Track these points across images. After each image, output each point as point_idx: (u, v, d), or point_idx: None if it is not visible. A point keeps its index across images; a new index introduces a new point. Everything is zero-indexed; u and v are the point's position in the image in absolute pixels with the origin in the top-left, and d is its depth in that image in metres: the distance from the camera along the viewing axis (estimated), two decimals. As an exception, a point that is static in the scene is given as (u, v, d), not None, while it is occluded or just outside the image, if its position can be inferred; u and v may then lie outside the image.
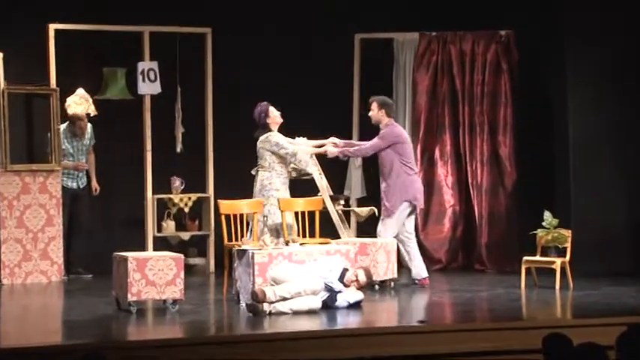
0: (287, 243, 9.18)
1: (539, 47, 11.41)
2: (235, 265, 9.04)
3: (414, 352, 7.35)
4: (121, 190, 11.62)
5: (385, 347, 7.38)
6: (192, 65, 11.45)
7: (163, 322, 8.39)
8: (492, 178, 11.50)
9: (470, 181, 11.57)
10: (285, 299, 8.40)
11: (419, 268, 10.12)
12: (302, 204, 9.75)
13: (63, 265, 10.86)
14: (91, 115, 11.13)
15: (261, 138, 9.73)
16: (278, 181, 9.68)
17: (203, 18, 11.52)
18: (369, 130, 10.71)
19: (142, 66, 11.29)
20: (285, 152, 9.66)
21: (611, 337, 5.23)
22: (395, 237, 10.07)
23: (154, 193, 11.39)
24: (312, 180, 10.30)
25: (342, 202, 10.71)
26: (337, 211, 10.44)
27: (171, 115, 11.48)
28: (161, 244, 11.35)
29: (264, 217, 9.71)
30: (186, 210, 11.53)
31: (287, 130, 9.91)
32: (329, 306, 8.57)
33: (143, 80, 11.30)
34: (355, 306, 8.71)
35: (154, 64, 11.32)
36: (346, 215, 10.81)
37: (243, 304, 8.73)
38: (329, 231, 10.21)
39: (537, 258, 9.88)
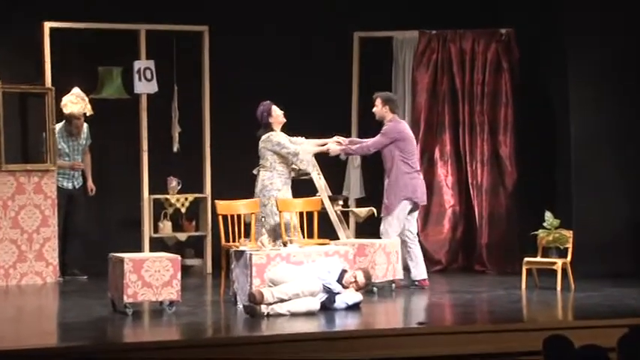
0: (285, 244, 9.18)
1: (539, 46, 11.42)
2: (233, 266, 9.04)
3: (413, 355, 7.35)
4: (117, 191, 11.62)
5: (384, 349, 7.38)
6: (189, 64, 11.45)
7: (160, 324, 8.39)
8: (493, 178, 11.50)
9: (470, 181, 11.57)
10: (283, 301, 8.40)
11: (419, 269, 10.12)
12: (300, 204, 9.75)
13: (58, 266, 10.85)
14: (87, 115, 11.13)
15: (263, 137, 9.74)
16: (279, 181, 9.68)
17: (200, 16, 11.52)
18: (369, 130, 10.72)
19: (138, 65, 11.29)
20: (286, 152, 9.66)
21: (613, 339, 5.24)
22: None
23: (150, 193, 11.38)
24: (311, 180, 10.31)
25: (341, 202, 10.71)
26: (336, 211, 10.44)
27: (167, 115, 11.48)
28: (157, 245, 11.35)
29: (261, 217, 9.72)
30: (183, 210, 11.53)
31: (286, 129, 9.90)
32: (327, 307, 8.57)
33: (139, 79, 11.30)
34: (354, 308, 8.71)
35: (151, 63, 11.32)
36: (345, 216, 10.81)
37: (240, 306, 8.73)
38: (327, 232, 10.21)
39: (538, 259, 9.88)
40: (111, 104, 11.33)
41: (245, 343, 7.38)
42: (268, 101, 9.79)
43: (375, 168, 11.06)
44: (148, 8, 11.39)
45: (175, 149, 11.51)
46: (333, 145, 10.14)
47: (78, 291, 10.20)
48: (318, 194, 10.28)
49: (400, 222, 10.06)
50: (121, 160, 11.58)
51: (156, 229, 11.45)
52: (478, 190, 11.52)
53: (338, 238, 10.20)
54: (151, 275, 8.51)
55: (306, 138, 10.02)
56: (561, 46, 11.01)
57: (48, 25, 10.93)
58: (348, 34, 11.80)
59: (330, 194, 10.51)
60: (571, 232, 9.89)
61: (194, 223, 11.65)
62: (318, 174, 10.35)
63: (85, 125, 11.19)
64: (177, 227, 11.60)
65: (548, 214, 9.92)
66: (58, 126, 11.03)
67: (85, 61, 11.33)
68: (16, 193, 10.69)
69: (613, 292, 9.56)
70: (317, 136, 10.09)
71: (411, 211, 10.16)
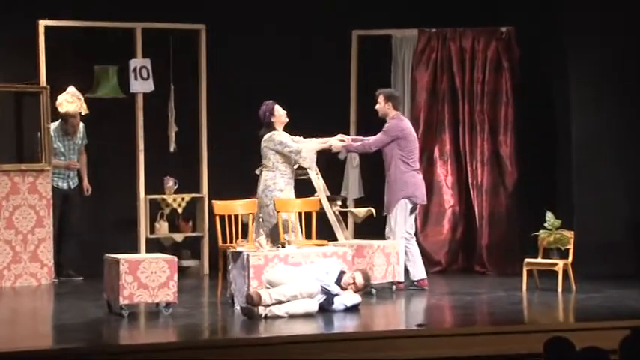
0: (283, 245, 9.18)
1: (540, 45, 11.42)
2: (230, 267, 9.04)
3: (412, 357, 7.35)
4: (113, 191, 11.61)
5: (383, 351, 7.38)
6: (185, 63, 11.45)
7: (156, 326, 8.38)
8: (493, 178, 11.50)
9: (470, 181, 11.57)
10: (280, 302, 8.40)
11: (418, 269, 10.12)
12: (298, 205, 9.75)
13: (53, 267, 10.85)
14: (83, 114, 11.13)
15: (265, 137, 9.74)
16: (282, 181, 9.69)
17: (197, 14, 11.52)
18: (368, 129, 10.72)
19: (134, 63, 11.29)
20: (289, 151, 9.67)
21: (614, 341, 5.24)
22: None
23: (146, 193, 11.38)
24: (309, 180, 10.31)
25: (340, 202, 10.71)
26: (334, 212, 10.44)
27: (164, 114, 11.48)
28: (154, 245, 11.34)
29: (259, 218, 9.72)
30: (180, 211, 11.52)
31: (285, 129, 9.89)
32: (326, 309, 8.56)
33: (135, 78, 11.29)
34: (352, 309, 8.71)
35: (147, 62, 11.32)
36: (343, 216, 10.81)
37: (237, 307, 8.72)
38: (326, 232, 10.21)
39: (539, 260, 9.89)
40: (107, 103, 11.32)
41: (242, 345, 7.37)
42: (271, 100, 9.79)
43: (374, 168, 11.06)
44: (144, 6, 11.38)
45: (172, 149, 11.50)
46: (336, 141, 10.15)
47: (73, 292, 10.20)
48: (316, 194, 10.28)
49: (404, 221, 10.05)
50: (117, 160, 11.57)
51: (152, 230, 11.45)
52: (478, 190, 11.52)
53: (336, 239, 10.20)
54: (147, 276, 8.51)
55: (305, 137, 10.02)
56: (562, 45, 11.02)
57: (43, 23, 10.93)
58: (347, 32, 11.80)
59: (329, 194, 10.51)
60: (572, 232, 9.89)
61: (191, 223, 11.65)
62: (317, 174, 10.35)
63: (82, 125, 11.19)
64: (173, 228, 11.60)
65: (548, 215, 9.92)
66: (54, 125, 11.03)
67: (81, 59, 11.32)
68: (11, 193, 10.68)
69: (614, 294, 9.56)
70: (316, 136, 10.09)
71: (411, 211, 10.16)
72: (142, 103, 11.35)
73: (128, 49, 11.27)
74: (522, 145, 11.47)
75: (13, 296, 10.17)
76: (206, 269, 11.53)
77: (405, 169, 10.07)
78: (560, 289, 9.69)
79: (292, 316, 8.34)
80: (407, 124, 10.31)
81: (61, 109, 11.00)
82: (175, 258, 8.77)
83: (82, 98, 11.08)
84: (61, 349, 7.22)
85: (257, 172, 9.89)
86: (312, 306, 8.47)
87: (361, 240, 10.10)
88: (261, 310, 8.34)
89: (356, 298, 8.79)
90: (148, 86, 11.33)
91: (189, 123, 11.52)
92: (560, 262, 9.73)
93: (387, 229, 10.09)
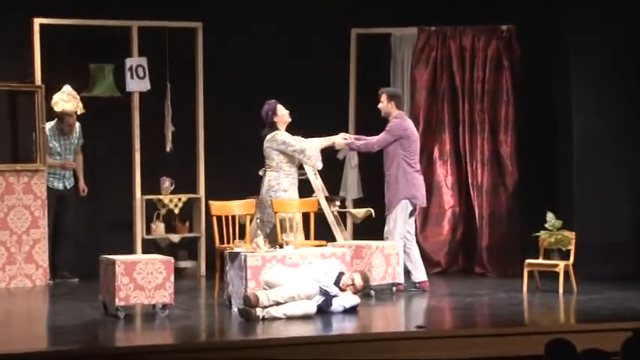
0: (281, 246, 9.18)
1: (541, 43, 11.43)
2: (227, 268, 9.04)
3: (412, 359, 7.35)
4: (109, 191, 11.60)
5: (382, 354, 7.38)
6: (182, 61, 11.44)
7: (152, 328, 8.38)
8: (493, 178, 11.50)
9: (470, 181, 11.57)
10: (278, 304, 8.40)
11: (419, 271, 10.13)
12: (297, 205, 9.75)
13: (48, 268, 10.84)
14: (78, 113, 11.12)
15: (268, 137, 9.74)
16: (286, 182, 9.69)
17: (193, 13, 11.51)
18: (367, 128, 10.72)
19: (130, 62, 11.28)
20: (292, 150, 9.67)
21: (616, 343, 5.24)
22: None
23: (142, 193, 11.37)
24: (307, 180, 10.30)
25: (338, 203, 10.71)
26: (333, 212, 10.43)
27: (160, 113, 11.47)
28: (150, 246, 11.35)
29: (257, 219, 9.72)
30: (176, 211, 11.52)
31: (286, 128, 9.90)
32: (324, 311, 8.56)
33: (131, 77, 11.29)
34: (351, 311, 8.71)
35: (143, 60, 11.32)
36: (342, 217, 10.81)
37: (235, 309, 8.72)
38: (324, 233, 10.21)
39: (540, 261, 9.89)
40: (102, 102, 11.32)
41: (240, 347, 7.37)
42: (274, 100, 9.79)
43: (373, 168, 11.06)
44: (140, 4, 11.38)
45: (168, 149, 11.50)
46: (339, 138, 10.17)
47: (68, 294, 10.19)
48: (314, 195, 10.28)
49: (403, 222, 10.05)
50: (112, 160, 11.57)
51: (148, 231, 11.44)
52: (478, 191, 11.52)
53: (335, 240, 10.20)
54: (143, 278, 8.51)
55: (304, 137, 10.02)
56: (563, 44, 11.02)
57: (38, 22, 10.92)
58: (346, 31, 11.79)
59: (327, 195, 10.51)
60: (573, 233, 9.89)
61: (187, 224, 11.64)
62: (315, 174, 10.35)
63: (78, 124, 11.19)
64: (170, 228, 11.60)
65: (549, 215, 9.92)
66: (50, 124, 11.03)
67: (76, 58, 11.32)
68: (5, 193, 10.68)
69: (616, 295, 9.56)
70: (315, 135, 10.09)
71: (410, 213, 10.16)
72: (138, 102, 11.35)
73: (124, 48, 11.26)
74: (523, 144, 11.47)
75: (8, 298, 10.16)
76: (203, 270, 11.52)
77: (407, 169, 10.07)
78: (561, 290, 9.69)
79: (290, 318, 8.34)
80: (410, 123, 10.31)
81: (57, 109, 11.00)
82: (172, 259, 8.77)
83: (78, 97, 11.08)
84: (56, 351, 7.22)
85: (260, 172, 9.89)
86: (311, 307, 8.47)
87: (360, 241, 10.10)
88: (259, 311, 8.34)
89: (355, 300, 8.79)
90: (144, 85, 11.32)
91: (185, 122, 11.52)
92: (562, 263, 9.74)
93: (385, 230, 10.09)
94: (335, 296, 8.67)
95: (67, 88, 11.06)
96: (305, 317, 8.39)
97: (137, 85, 11.31)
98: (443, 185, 11.63)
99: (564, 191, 11.11)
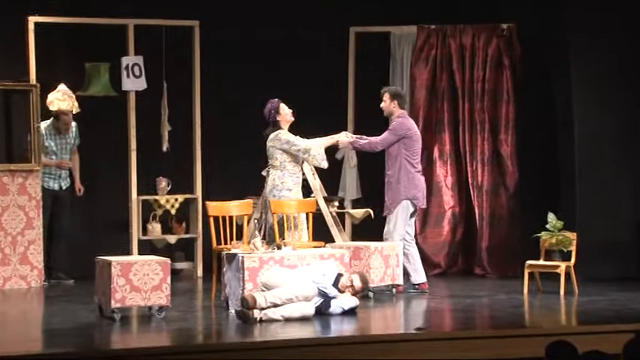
0: (279, 247, 9.18)
1: (541, 42, 11.43)
2: (224, 269, 9.04)
3: (411, 361, 7.36)
4: (105, 192, 11.61)
5: (381, 356, 7.38)
6: (178, 60, 11.44)
7: (149, 330, 8.38)
8: (493, 179, 11.51)
9: (470, 181, 11.58)
10: (276, 305, 8.40)
11: (419, 273, 10.13)
12: (294, 205, 9.75)
13: (43, 270, 10.84)
14: (74, 113, 11.12)
15: (271, 136, 9.74)
16: (290, 181, 9.70)
17: (190, 11, 11.51)
18: (366, 128, 10.72)
19: (126, 61, 11.29)
20: (296, 149, 9.68)
21: (618, 345, 5.24)
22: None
23: (138, 194, 11.38)
24: (305, 180, 10.30)
25: (337, 203, 10.71)
26: (331, 213, 10.44)
27: (157, 113, 11.47)
28: (146, 247, 11.34)
29: (254, 220, 9.72)
30: (173, 212, 11.52)
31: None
32: (322, 312, 8.56)
33: (127, 76, 11.29)
34: (350, 312, 8.71)
35: (139, 59, 11.32)
36: (340, 217, 10.81)
37: (232, 311, 8.72)
38: (323, 234, 10.21)
39: (541, 262, 9.89)
40: (98, 102, 11.32)
41: (237, 350, 7.37)
42: (277, 99, 9.80)
43: (372, 168, 11.07)
44: (136, 2, 11.39)
45: (165, 148, 11.50)
46: (343, 136, 10.18)
47: (63, 295, 10.19)
48: (312, 195, 10.28)
49: (404, 223, 10.05)
50: (108, 160, 11.57)
51: (145, 232, 11.44)
52: (478, 191, 11.52)
53: (333, 241, 10.20)
54: (139, 279, 8.50)
55: (302, 136, 10.02)
56: (564, 43, 11.03)
57: (32, 20, 10.92)
58: (345, 29, 11.79)
59: (326, 195, 10.51)
60: (575, 234, 9.90)
61: (184, 225, 11.65)
62: (313, 174, 10.35)
63: (74, 124, 11.19)
64: (166, 229, 11.60)
65: (551, 216, 9.92)
66: (46, 123, 11.03)
67: (72, 57, 11.32)
68: (0, 194, 10.67)
69: (618, 297, 9.57)
70: (313, 134, 10.08)
71: (411, 214, 10.17)
72: (134, 102, 11.35)
73: (120, 46, 11.26)
74: (523, 144, 11.48)
75: (2, 299, 10.15)
76: (200, 272, 11.52)
77: (409, 169, 10.08)
78: (562, 291, 9.69)
79: (288, 320, 8.34)
80: (412, 123, 10.31)
81: (52, 108, 11.00)
82: (168, 260, 8.76)
83: (74, 96, 11.08)
84: (51, 354, 7.21)
85: (264, 173, 9.89)
86: (309, 309, 8.47)
87: (358, 242, 10.10)
88: (257, 313, 8.34)
89: (353, 302, 8.79)
90: (141, 84, 11.33)
91: (182, 122, 11.52)
92: (563, 265, 9.74)
93: (385, 230, 10.09)
94: (333, 298, 8.67)
95: (62, 87, 11.06)
96: (303, 319, 8.39)
97: (133, 84, 11.31)
98: (443, 185, 11.64)
99: (565, 191, 11.12)
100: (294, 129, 9.94)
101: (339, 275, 8.87)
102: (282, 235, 9.62)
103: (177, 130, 11.53)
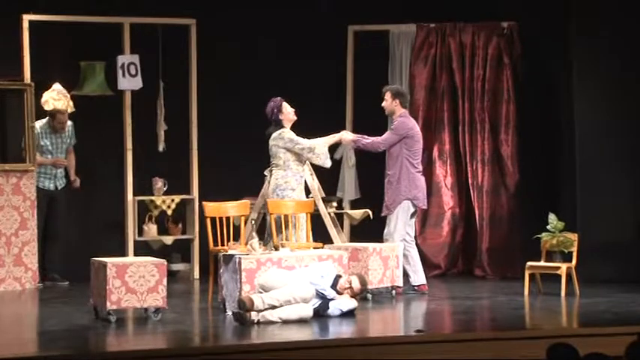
0: (276, 248, 9.18)
1: (542, 40, 11.44)
2: (221, 271, 9.04)
3: (411, 364, 7.37)
4: (100, 192, 11.61)
5: (380, 358, 7.38)
6: (175, 59, 11.44)
7: (145, 332, 8.38)
8: (494, 179, 11.51)
9: (470, 181, 11.58)
10: (274, 307, 8.40)
11: (419, 274, 10.13)
12: (292, 206, 9.75)
13: (38, 271, 10.83)
14: (69, 112, 11.12)
15: (274, 135, 9.74)
16: (294, 180, 9.70)
17: (187, 9, 11.51)
18: (365, 126, 10.72)
19: (122, 60, 11.28)
20: (301, 148, 9.68)
21: (620, 347, 5.25)
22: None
23: (134, 194, 11.37)
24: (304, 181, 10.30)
25: (335, 204, 10.71)
26: (329, 213, 10.44)
27: (153, 112, 11.47)
28: (142, 248, 11.34)
29: (252, 220, 9.72)
30: (169, 212, 11.52)
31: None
32: (321, 314, 8.57)
33: (123, 75, 11.28)
34: (348, 314, 8.71)
35: (135, 58, 11.31)
36: (339, 218, 10.81)
37: (229, 313, 8.72)
38: (321, 235, 10.21)
39: (541, 263, 9.89)
40: (93, 101, 11.32)
41: (234, 352, 7.37)
42: (279, 97, 9.80)
43: (371, 167, 11.07)
44: (132, 0, 11.37)
45: (161, 148, 11.50)
46: (346, 134, 10.19)
47: (58, 297, 10.18)
48: (310, 195, 10.28)
49: (404, 224, 10.06)
50: (104, 160, 11.57)
51: (140, 233, 11.44)
52: (478, 191, 11.53)
53: (332, 242, 10.20)
54: (135, 281, 8.50)
55: (301, 136, 10.02)
56: (565, 41, 11.03)
57: (27, 18, 10.91)
58: (343, 27, 11.79)
59: (324, 195, 10.51)
60: (576, 235, 9.90)
61: (181, 225, 11.64)
62: (311, 174, 10.35)
63: (70, 123, 11.19)
64: (162, 230, 11.59)
65: (551, 217, 9.93)
66: (42, 122, 11.03)
67: (66, 55, 11.32)
68: (-6, 194, 10.68)
69: (620, 298, 9.57)
70: (312, 133, 10.08)
71: (412, 215, 10.17)
72: (130, 101, 11.34)
73: (116, 45, 11.26)
74: (524, 144, 11.49)
75: (-4, 301, 10.17)
76: (196, 273, 11.52)
77: (410, 169, 10.09)
78: (563, 293, 9.70)
79: (286, 322, 8.34)
80: (413, 123, 10.33)
81: (47, 107, 11.00)
82: (165, 262, 8.76)
83: (69, 96, 11.08)
84: (46, 356, 7.21)
85: (266, 172, 9.89)
86: (307, 311, 8.47)
87: (356, 243, 10.10)
88: (254, 315, 8.34)
89: (352, 303, 8.79)
90: (136, 83, 11.32)
91: (178, 121, 11.52)
92: (564, 266, 9.74)
93: (385, 231, 10.09)
94: (332, 299, 8.67)
95: (57, 86, 11.06)
96: (301, 321, 8.39)
97: (129, 83, 11.31)
98: (442, 186, 11.64)
99: (567, 192, 11.12)
100: (292, 128, 9.93)
101: (338, 277, 8.87)
102: (280, 236, 9.61)
103: (174, 129, 11.53)
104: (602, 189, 10.83)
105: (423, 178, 10.26)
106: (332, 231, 10.37)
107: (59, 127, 11.09)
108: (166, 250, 11.44)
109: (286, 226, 9.64)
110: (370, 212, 10.64)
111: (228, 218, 9.63)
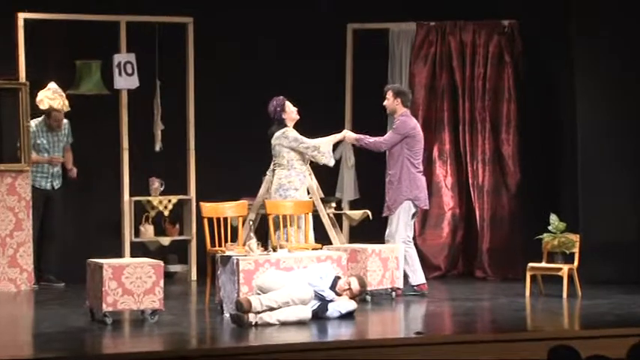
0: (274, 249, 9.18)
1: (543, 39, 11.44)
2: (219, 272, 9.04)
3: (410, 366, 7.37)
4: (96, 192, 11.60)
5: (380, 360, 7.40)
6: (172, 58, 11.43)
7: (141, 334, 8.38)
8: (494, 179, 11.52)
9: (470, 181, 11.58)
10: (272, 309, 8.40)
11: (417, 274, 10.14)
12: (291, 207, 9.75)
13: (33, 272, 10.83)
14: (64, 112, 11.11)
15: (277, 134, 9.74)
16: (297, 180, 9.71)
17: (184, 7, 11.51)
18: (364, 126, 10.73)
19: (118, 58, 11.28)
20: (305, 147, 9.68)
21: (622, 350, 5.25)
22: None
23: (131, 195, 11.37)
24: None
25: (334, 204, 10.71)
26: (328, 214, 10.44)
27: (149, 112, 11.47)
28: (139, 249, 11.34)
29: (249, 221, 9.73)
30: (166, 213, 11.52)
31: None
32: (319, 316, 8.56)
33: (119, 74, 11.28)
34: (347, 316, 8.71)
35: (132, 57, 11.31)
36: (338, 219, 10.81)
37: (227, 315, 8.72)
38: (320, 236, 10.21)
39: (543, 264, 9.89)
40: (89, 100, 11.31)
41: (232, 354, 7.37)
42: (282, 96, 9.80)
43: (370, 168, 11.07)
44: (128, -2, 11.40)
45: (158, 148, 11.49)
46: (350, 132, 10.20)
47: (54, 299, 10.18)
48: (309, 196, 10.28)
49: (405, 224, 10.05)
50: (100, 160, 11.56)
51: (137, 233, 11.44)
52: (479, 192, 11.53)
53: (330, 243, 10.20)
54: (131, 282, 8.50)
55: (301, 135, 10.03)
56: (566, 40, 11.03)
57: (22, 16, 10.91)
58: (342, 26, 11.79)
59: (323, 196, 10.51)
60: (577, 236, 9.91)
61: (178, 226, 11.64)
62: (310, 174, 10.35)
63: (66, 122, 11.19)
64: (159, 231, 11.59)
65: (553, 217, 9.93)
66: (37, 120, 11.02)
67: (62, 54, 11.32)
68: (-12, 194, 10.68)
69: (621, 300, 9.58)
70: (312, 132, 10.08)
71: (413, 215, 10.17)
72: (127, 100, 11.34)
73: (112, 44, 11.26)
74: (525, 144, 11.49)
75: (-9, 303, 10.17)
76: (194, 274, 11.52)
77: (411, 169, 10.09)
78: (565, 295, 9.70)
79: (284, 324, 8.34)
80: (415, 122, 10.33)
81: (42, 106, 11.00)
82: (161, 263, 8.76)
83: (64, 95, 11.08)
84: (42, 359, 7.21)
85: (268, 172, 9.89)
86: (305, 313, 8.47)
87: (355, 244, 10.10)
88: (252, 317, 8.34)
89: (351, 305, 8.79)
90: (133, 82, 11.32)
91: (176, 121, 11.51)
92: (565, 267, 9.74)
93: (387, 232, 10.09)
94: (331, 301, 8.67)
95: (52, 85, 11.05)
96: (300, 323, 8.39)
97: (125, 82, 11.31)
98: (442, 186, 11.64)
99: (568, 192, 11.12)
100: (294, 127, 9.93)
101: (337, 278, 8.87)
102: (279, 236, 9.61)
103: (171, 129, 11.52)
104: (603, 189, 10.84)
105: (424, 178, 10.27)
106: (331, 232, 10.37)
107: (55, 125, 11.09)
108: (163, 251, 11.44)
109: (285, 226, 9.63)
110: (369, 213, 10.64)
111: (225, 219, 9.62)
